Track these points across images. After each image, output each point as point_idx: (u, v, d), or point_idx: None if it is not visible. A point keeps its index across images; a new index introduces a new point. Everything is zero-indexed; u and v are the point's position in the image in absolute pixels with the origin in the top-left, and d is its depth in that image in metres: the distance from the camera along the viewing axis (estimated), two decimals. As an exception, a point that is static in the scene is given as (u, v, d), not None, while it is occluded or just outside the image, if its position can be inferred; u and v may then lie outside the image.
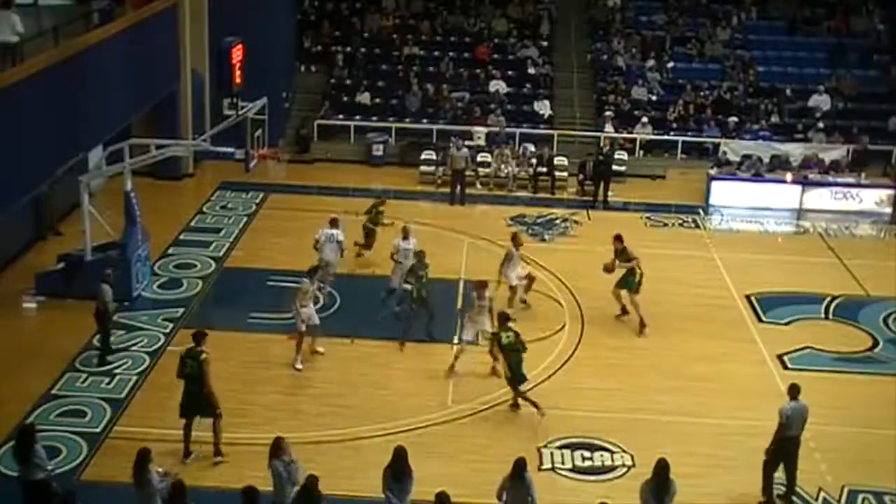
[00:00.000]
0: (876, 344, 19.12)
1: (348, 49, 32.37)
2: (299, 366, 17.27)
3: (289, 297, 17.89)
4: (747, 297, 20.82)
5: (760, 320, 19.94)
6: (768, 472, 13.81)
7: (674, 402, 16.61)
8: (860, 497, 14.27)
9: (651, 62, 31.97)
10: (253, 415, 15.70)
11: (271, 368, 17.27)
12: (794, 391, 13.82)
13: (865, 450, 15.48)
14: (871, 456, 15.26)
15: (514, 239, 19.83)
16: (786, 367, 18.07)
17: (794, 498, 14.13)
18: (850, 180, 27.22)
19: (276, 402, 16.20)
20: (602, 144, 28.31)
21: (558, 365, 17.75)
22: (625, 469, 14.70)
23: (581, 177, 27.20)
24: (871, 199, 26.80)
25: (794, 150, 28.77)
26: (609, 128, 29.49)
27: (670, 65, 32.09)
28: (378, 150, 29.13)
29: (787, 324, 19.79)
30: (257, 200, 25.34)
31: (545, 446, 15.14)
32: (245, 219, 24.18)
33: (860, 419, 16.38)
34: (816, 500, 14.23)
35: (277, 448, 12.35)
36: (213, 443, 14.45)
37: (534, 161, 27.86)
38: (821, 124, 29.62)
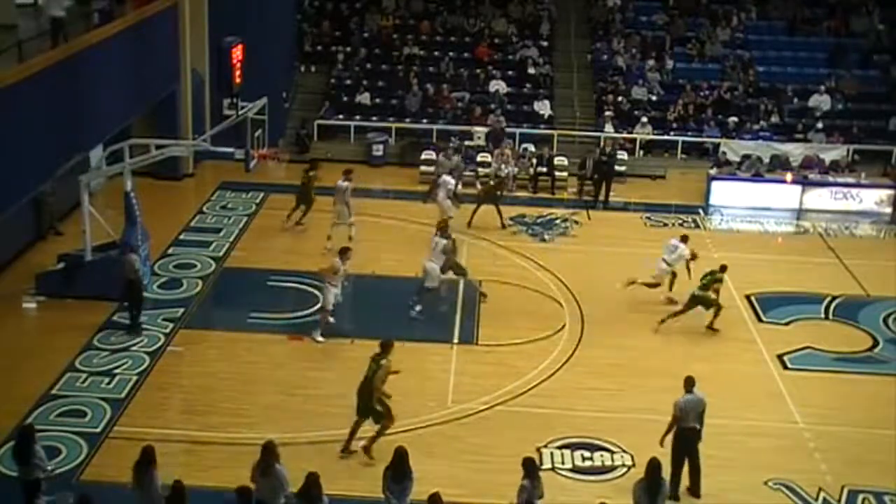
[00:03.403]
0: (876, 344, 19.13)
1: (348, 49, 32.37)
2: (320, 338, 17.86)
3: (289, 296, 17.86)
4: (747, 297, 20.82)
5: (760, 320, 19.95)
6: (675, 466, 13.82)
7: (668, 399, 16.58)
8: (860, 497, 14.28)
9: (651, 62, 31.97)
10: (252, 415, 15.71)
11: (271, 368, 17.27)
12: (688, 384, 13.95)
13: (866, 450, 15.48)
14: (872, 456, 15.27)
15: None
16: (786, 367, 18.10)
17: (788, 497, 14.18)
18: (850, 180, 27.22)
19: (276, 402, 16.20)
20: (603, 144, 28.31)
21: (558, 365, 17.76)
22: (625, 469, 14.71)
23: (584, 175, 27.18)
24: (871, 199, 26.80)
25: (794, 150, 28.79)
26: (609, 128, 29.48)
27: (670, 65, 32.09)
28: (378, 150, 29.13)
29: (787, 324, 19.79)
30: (257, 200, 25.33)
31: (545, 446, 15.14)
32: (245, 219, 24.18)
33: (860, 419, 16.39)
34: (816, 500, 14.24)
35: (275, 452, 12.35)
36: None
37: (534, 161, 27.87)
38: (820, 124, 29.63)
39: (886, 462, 15.11)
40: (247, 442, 14.40)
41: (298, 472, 12.24)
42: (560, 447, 15.18)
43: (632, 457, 14.86)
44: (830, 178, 27.44)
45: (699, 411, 13.85)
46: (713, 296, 18.78)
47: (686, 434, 13.81)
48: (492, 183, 25.49)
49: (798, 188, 26.95)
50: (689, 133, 29.88)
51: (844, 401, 16.96)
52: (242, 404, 15.95)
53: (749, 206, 26.65)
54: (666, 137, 29.78)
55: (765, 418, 16.14)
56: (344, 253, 18.26)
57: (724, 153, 28.68)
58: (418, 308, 19.09)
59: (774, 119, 30.19)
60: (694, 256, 19.91)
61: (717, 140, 29.30)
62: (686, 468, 13.99)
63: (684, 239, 20.10)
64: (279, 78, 28.68)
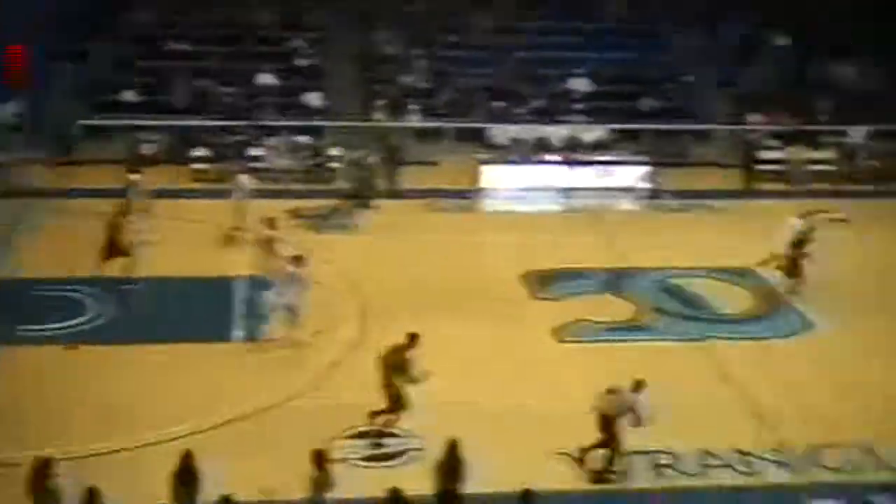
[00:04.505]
0: (643, 313, 20.20)
1: (110, 45, 31.21)
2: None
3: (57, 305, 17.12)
4: (522, 275, 21.55)
5: (536, 297, 20.70)
6: None
7: (456, 384, 16.97)
8: (633, 458, 14.94)
9: (418, 51, 32.46)
10: (28, 430, 14.99)
11: (46, 381, 16.53)
12: None
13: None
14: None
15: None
16: (561, 341, 18.85)
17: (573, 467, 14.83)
18: (612, 158, 28.64)
19: (51, 415, 15.52)
20: (382, 134, 28.44)
21: (344, 357, 17.81)
22: (415, 453, 14.94)
23: (364, 165, 27.32)
24: (631, 175, 28.27)
25: (558, 132, 29.97)
26: (381, 117, 29.77)
27: (437, 52, 32.67)
28: (146, 149, 28.27)
29: (560, 299, 20.61)
30: (19, 208, 24.07)
31: (335, 438, 15.18)
32: (5, 227, 22.93)
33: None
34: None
35: (49, 468, 11.88)
36: None
37: (308, 153, 27.78)
38: (580, 106, 31.01)
39: (658, 422, 15.98)
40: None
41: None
42: (350, 437, 15.26)
43: (421, 441, 15.13)
44: (593, 158, 28.75)
45: None
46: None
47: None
48: None
49: (564, 168, 28.12)
50: (458, 119, 30.57)
51: (618, 368, 17.69)
52: (15, 422, 15.19)
53: (519, 187, 27.57)
54: (437, 124, 30.35)
55: (542, 394, 16.72)
56: (298, 259, 17.96)
57: (492, 137, 29.52)
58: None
59: (537, 102, 31.30)
60: None
61: (485, 125, 30.11)
62: None
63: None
64: (38, 78, 27.31)
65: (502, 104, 30.87)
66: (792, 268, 20.89)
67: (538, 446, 15.13)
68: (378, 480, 13.53)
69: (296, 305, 17.86)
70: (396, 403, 15.15)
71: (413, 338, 15.20)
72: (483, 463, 13.97)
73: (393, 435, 15.33)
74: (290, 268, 18.09)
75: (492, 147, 28.93)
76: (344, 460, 14.66)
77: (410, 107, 30.32)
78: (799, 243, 20.84)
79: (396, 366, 15.08)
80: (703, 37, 34.20)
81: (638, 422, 14.34)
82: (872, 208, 26.53)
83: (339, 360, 17.73)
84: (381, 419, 15.30)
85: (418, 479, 13.15)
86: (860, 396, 16.86)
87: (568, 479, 14.56)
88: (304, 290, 17.99)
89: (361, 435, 15.31)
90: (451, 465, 12.67)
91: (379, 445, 15.13)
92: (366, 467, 14.68)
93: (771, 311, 20.45)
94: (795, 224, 21.27)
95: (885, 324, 19.74)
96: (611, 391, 14.52)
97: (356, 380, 16.98)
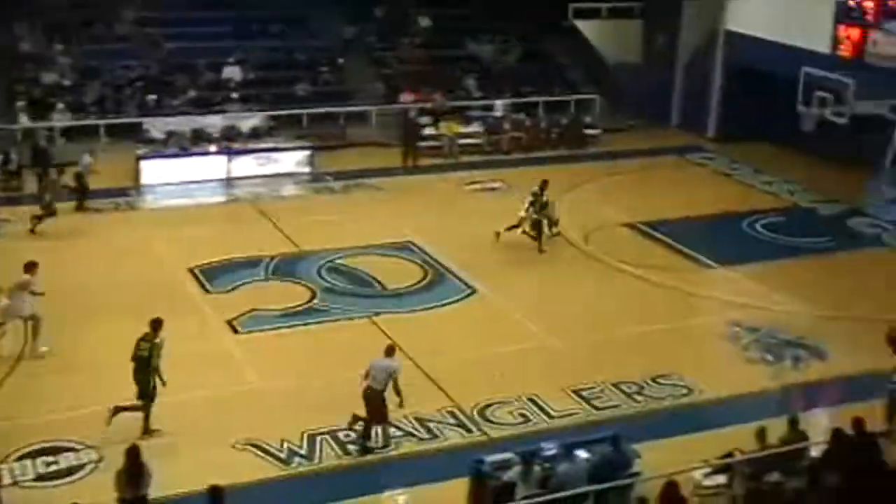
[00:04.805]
0: (314, 295, 20.55)
1: None
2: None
3: None
4: (190, 270, 21.24)
5: (207, 291, 20.50)
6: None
7: (133, 386, 16.56)
8: (319, 439, 15.40)
9: (60, 46, 30.93)
10: None
11: None
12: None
13: (318, 394, 16.67)
14: (324, 399, 16.44)
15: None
16: (236, 332, 18.80)
17: (256, 454, 14.96)
18: (271, 145, 28.74)
19: None
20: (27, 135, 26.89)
21: (6, 370, 16.85)
22: (93, 465, 14.43)
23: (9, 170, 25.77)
24: (291, 160, 28.50)
25: (215, 122, 29.66)
26: (24, 118, 28.20)
27: (80, 48, 31.29)
28: None
29: (231, 290, 20.52)
30: None
31: (3, 462, 14.37)
32: None
33: (310, 368, 17.54)
34: (281, 450, 15.06)
35: None
36: None
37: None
38: (235, 95, 30.84)
39: (338, 402, 16.33)
40: None
41: None
42: (19, 458, 14.48)
43: (98, 451, 14.63)
44: (252, 146, 28.70)
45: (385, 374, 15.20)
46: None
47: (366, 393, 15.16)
48: None
49: (224, 158, 27.88)
50: (110, 115, 29.52)
51: (294, 353, 18.07)
52: None
53: (180, 181, 27.01)
54: (87, 122, 29.13)
55: (224, 385, 16.66)
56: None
57: (147, 131, 28.74)
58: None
59: (192, 93, 30.80)
60: None
61: (139, 120, 29.26)
62: None
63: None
64: None
65: (155, 97, 30.08)
66: (536, 230, 22.94)
67: (224, 440, 15.11)
68: (58, 498, 13.02)
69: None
70: (146, 395, 15.11)
71: (157, 323, 15.26)
72: (169, 464, 13.81)
73: (70, 450, 14.74)
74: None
75: (149, 141, 28.12)
76: (14, 483, 13.94)
77: (57, 105, 28.86)
78: (541, 207, 22.86)
79: (142, 357, 15.08)
80: (350, 20, 34.95)
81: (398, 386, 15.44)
82: (518, 176, 28.35)
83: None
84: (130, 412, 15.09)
85: (101, 492, 12.73)
86: (520, 353, 18.13)
87: (256, 469, 14.65)
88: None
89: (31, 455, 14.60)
90: (132, 473, 12.35)
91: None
92: (42, 487, 14.02)
93: (436, 281, 21.44)
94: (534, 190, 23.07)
95: (529, 281, 21.47)
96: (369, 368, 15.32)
97: (25, 392, 16.19)
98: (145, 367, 15.07)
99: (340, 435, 15.51)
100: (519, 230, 23.08)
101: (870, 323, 19.33)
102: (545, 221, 23.10)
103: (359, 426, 15.37)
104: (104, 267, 21.09)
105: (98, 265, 21.18)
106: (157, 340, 15.16)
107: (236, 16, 33.72)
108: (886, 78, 25.40)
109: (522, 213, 22.99)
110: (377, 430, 15.31)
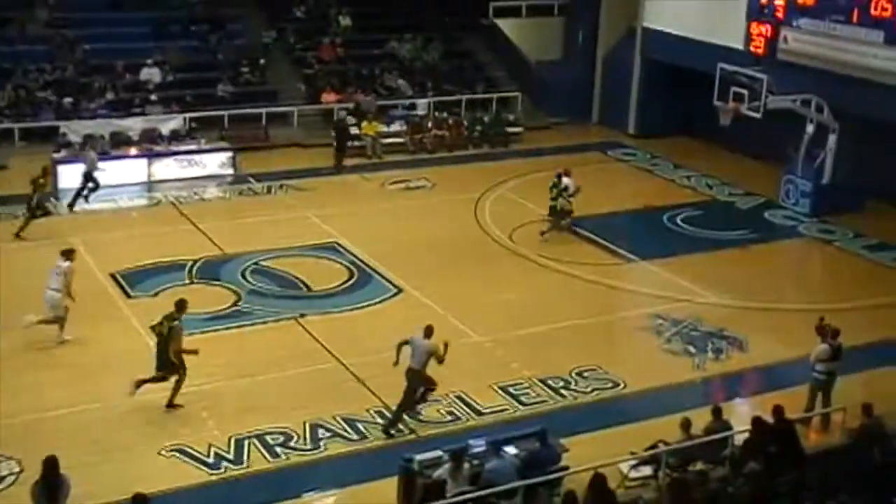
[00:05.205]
0: (239, 298, 20.40)
1: None
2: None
3: None
4: (112, 275, 20.93)
5: (129, 296, 20.21)
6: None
7: (61, 394, 16.30)
8: (246, 442, 15.31)
9: (-30, 48, 30.25)
10: None
11: None
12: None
13: (245, 398, 16.62)
14: (251, 402, 16.42)
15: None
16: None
17: (183, 460, 14.84)
18: (192, 147, 28.40)
19: None
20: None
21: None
22: (13, 477, 14.13)
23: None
24: (213, 162, 28.18)
25: (134, 125, 29.21)
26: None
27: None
28: None
29: (155, 295, 20.25)
30: None
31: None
32: None
33: (239, 371, 17.48)
34: (208, 455, 14.96)
35: None
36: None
37: None
38: (155, 96, 30.41)
39: (264, 405, 16.37)
40: None
41: None
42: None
43: (19, 462, 14.31)
44: (173, 148, 28.33)
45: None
46: None
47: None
48: None
49: (144, 161, 27.49)
50: (26, 119, 28.91)
51: (220, 357, 17.88)
52: None
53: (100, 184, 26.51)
54: (1, 126, 28.51)
55: (148, 391, 16.41)
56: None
57: (64, 135, 28.20)
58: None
59: (110, 95, 30.28)
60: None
61: (55, 123, 28.69)
62: None
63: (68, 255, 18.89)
64: None
65: (71, 100, 29.52)
66: (557, 216, 23.97)
67: (151, 447, 14.95)
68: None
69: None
70: (175, 369, 15.94)
71: (181, 304, 16.19)
72: (91, 474, 13.60)
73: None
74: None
75: (66, 145, 27.56)
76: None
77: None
78: (572, 195, 23.74)
79: (161, 334, 16.00)
80: (270, 20, 34.71)
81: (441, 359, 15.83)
82: (442, 174, 28.46)
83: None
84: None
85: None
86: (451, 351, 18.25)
87: (183, 475, 14.50)
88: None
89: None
90: (48, 483, 12.04)
91: None
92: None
93: (362, 281, 21.42)
94: (566, 181, 23.80)
95: (455, 279, 21.56)
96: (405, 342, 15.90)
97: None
98: (164, 343, 15.88)
99: (268, 438, 15.44)
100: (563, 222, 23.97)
101: (788, 313, 19.84)
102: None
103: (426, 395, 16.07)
104: (20, 276, 20.63)
105: (14, 274, 20.69)
106: (176, 323, 15.92)
107: (154, 16, 33.24)
108: (797, 73, 26.06)
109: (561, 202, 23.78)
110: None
